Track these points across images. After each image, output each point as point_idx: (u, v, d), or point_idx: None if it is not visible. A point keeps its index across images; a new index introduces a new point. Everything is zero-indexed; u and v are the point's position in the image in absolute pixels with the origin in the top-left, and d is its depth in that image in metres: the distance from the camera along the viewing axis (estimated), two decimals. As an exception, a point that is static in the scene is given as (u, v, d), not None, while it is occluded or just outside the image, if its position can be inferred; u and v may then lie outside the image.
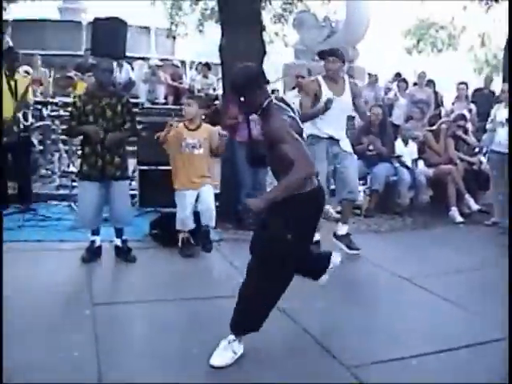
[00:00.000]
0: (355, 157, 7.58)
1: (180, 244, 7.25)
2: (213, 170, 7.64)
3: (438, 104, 14.62)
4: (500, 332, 5.02)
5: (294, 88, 9.21)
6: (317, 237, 7.35)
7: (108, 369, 4.30)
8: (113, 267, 6.91)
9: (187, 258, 7.08)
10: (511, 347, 4.11)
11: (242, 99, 4.44)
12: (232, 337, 4.56)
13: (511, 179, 7.76)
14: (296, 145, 4.42)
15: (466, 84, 13.17)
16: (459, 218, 9.39)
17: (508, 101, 7.76)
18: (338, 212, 8.98)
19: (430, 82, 15.18)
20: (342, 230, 7.54)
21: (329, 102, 6.89)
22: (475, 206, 9.72)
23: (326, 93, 7.08)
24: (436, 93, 15.08)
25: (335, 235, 7.61)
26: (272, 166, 4.72)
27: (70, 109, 6.91)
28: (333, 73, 7.13)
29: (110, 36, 9.58)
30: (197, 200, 7.19)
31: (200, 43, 24.25)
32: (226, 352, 4.49)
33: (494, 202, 9.47)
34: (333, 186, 7.87)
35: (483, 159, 10.52)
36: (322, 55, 7.30)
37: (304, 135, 4.86)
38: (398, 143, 10.18)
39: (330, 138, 7.19)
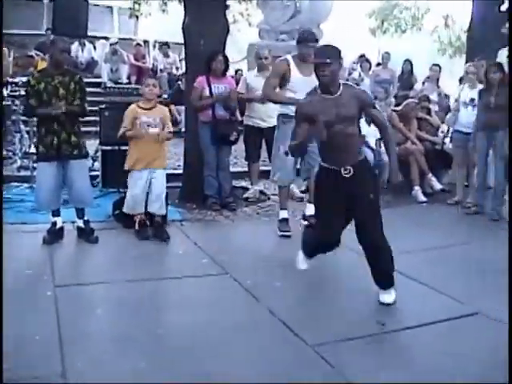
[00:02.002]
0: None
1: (136, 226, 7.17)
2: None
3: (412, 84, 14.62)
4: (471, 307, 5.15)
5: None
6: (285, 215, 7.42)
7: (70, 350, 4.26)
8: (75, 248, 6.84)
9: (144, 240, 7.03)
10: (511, 346, 4.13)
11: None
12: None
13: (511, 176, 7.77)
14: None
15: (439, 66, 13.13)
16: (422, 198, 9.45)
17: (508, 99, 7.79)
18: (302, 192, 9.05)
19: (408, 62, 15.15)
20: (311, 209, 7.55)
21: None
22: (438, 186, 9.79)
23: (296, 73, 7.08)
24: (412, 73, 15.07)
25: (303, 216, 7.67)
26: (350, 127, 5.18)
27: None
28: (305, 55, 7.10)
29: (71, 15, 9.42)
30: (149, 185, 7.10)
31: (164, 22, 23.99)
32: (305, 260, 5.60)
33: (456, 182, 9.57)
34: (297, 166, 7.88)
35: (446, 139, 10.61)
36: (301, 39, 7.25)
37: None
38: (362, 123, 10.16)
39: None
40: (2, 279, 4.68)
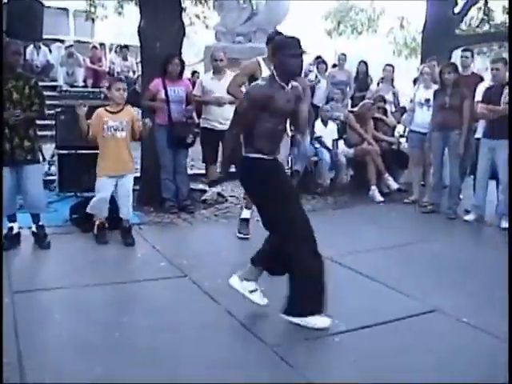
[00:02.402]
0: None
1: (95, 230, 7.10)
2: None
3: (368, 85, 14.73)
4: (428, 305, 5.23)
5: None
6: (247, 215, 7.44)
7: (29, 358, 4.21)
8: (33, 254, 6.74)
9: (102, 244, 6.97)
10: (511, 347, 4.18)
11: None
12: None
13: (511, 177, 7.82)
14: None
15: (392, 66, 13.21)
16: (379, 198, 9.55)
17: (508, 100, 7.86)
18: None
19: (363, 63, 15.26)
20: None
21: None
22: (394, 185, 9.90)
23: (267, 73, 7.11)
24: (367, 74, 15.20)
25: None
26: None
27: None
28: None
29: (25, 17, 9.31)
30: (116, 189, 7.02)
31: (120, 25, 23.84)
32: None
33: (412, 181, 9.68)
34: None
35: (402, 139, 10.74)
36: (270, 38, 7.26)
37: None
38: (318, 124, 10.27)
39: None
40: (1, 281, 4.61)
